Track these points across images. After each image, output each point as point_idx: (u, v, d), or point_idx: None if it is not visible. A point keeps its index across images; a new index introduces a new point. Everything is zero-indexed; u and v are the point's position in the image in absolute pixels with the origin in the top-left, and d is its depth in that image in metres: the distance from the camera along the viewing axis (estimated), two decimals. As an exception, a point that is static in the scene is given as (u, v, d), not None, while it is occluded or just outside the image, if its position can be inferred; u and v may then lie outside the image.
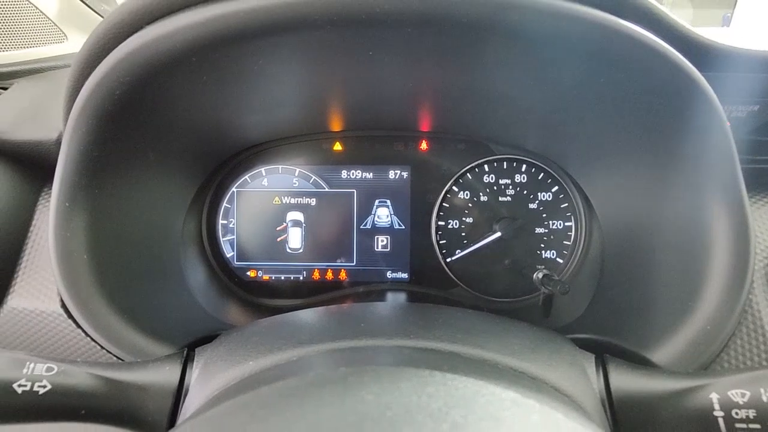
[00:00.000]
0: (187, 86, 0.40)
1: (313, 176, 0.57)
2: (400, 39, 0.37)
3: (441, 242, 0.57)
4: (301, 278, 0.57)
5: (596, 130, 0.45)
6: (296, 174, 0.57)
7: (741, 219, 0.36)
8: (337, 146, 0.57)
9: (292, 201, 0.57)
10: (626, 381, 0.32)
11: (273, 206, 0.57)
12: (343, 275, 0.57)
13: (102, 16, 0.77)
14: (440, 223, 0.57)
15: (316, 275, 0.58)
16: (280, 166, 0.57)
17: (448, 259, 0.57)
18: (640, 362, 0.36)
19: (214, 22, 0.32)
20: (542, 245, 0.56)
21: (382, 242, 0.57)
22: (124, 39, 0.34)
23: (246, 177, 0.57)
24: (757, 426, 0.27)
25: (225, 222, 0.57)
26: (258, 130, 0.55)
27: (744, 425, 0.27)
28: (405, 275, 0.57)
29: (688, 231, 0.39)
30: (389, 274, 0.57)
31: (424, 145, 0.57)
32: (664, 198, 0.42)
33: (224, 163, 0.57)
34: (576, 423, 0.20)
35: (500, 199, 0.56)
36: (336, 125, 0.57)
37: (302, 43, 0.37)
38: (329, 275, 0.58)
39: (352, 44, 0.38)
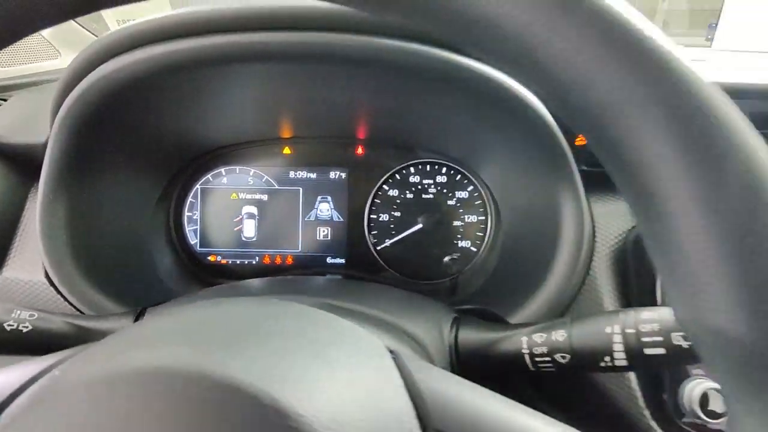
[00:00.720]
0: (151, 103, 0.51)
1: (265, 176, 0.67)
2: (331, 72, 0.47)
3: (372, 232, 0.67)
4: (254, 262, 0.67)
5: (486, 144, 0.56)
6: (251, 174, 0.67)
7: (578, 213, 0.46)
8: (286, 150, 0.67)
9: (247, 197, 0.67)
10: (470, 333, 0.41)
11: (231, 201, 0.67)
12: (289, 260, 0.67)
13: (93, 34, 0.88)
14: (372, 216, 0.67)
15: (267, 260, 0.67)
16: (238, 167, 0.67)
17: (378, 247, 0.67)
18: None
19: (167, 55, 0.43)
20: (459, 236, 0.66)
21: (323, 232, 0.67)
22: (98, 66, 0.44)
23: (208, 176, 0.67)
24: (547, 358, 0.36)
25: (190, 214, 0.67)
26: (217, 137, 0.65)
27: (540, 359, 0.37)
28: (342, 260, 0.67)
29: (548, 220, 0.49)
30: (329, 260, 0.67)
31: (360, 150, 0.67)
32: (535, 195, 0.52)
33: (190, 164, 0.67)
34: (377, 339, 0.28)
35: (423, 196, 0.66)
36: (285, 133, 0.67)
37: (245, 72, 0.48)
38: (278, 260, 0.67)
39: (293, 73, 0.49)
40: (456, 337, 0.41)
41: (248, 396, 0.18)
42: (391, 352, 0.27)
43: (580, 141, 0.53)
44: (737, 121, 0.17)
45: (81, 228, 0.51)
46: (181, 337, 0.22)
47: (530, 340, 0.38)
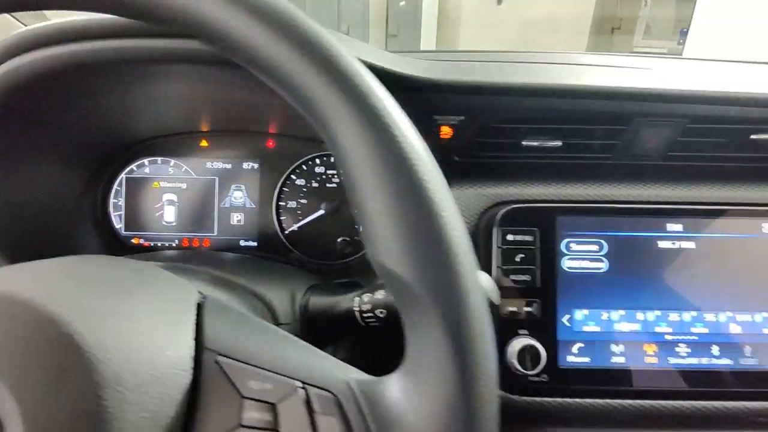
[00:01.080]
0: (58, 100, 0.57)
1: (185, 166, 0.74)
2: (233, 73, 0.54)
3: (281, 218, 0.74)
4: (174, 245, 0.74)
5: None
6: (171, 164, 0.74)
7: None
8: (204, 143, 0.74)
9: (168, 185, 0.74)
10: (319, 299, 0.49)
11: (153, 189, 0.74)
12: (206, 243, 0.74)
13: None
14: (281, 203, 0.74)
15: (186, 242, 0.74)
16: (159, 158, 0.74)
17: (286, 231, 0.74)
18: None
19: (65, 56, 0.49)
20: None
21: (237, 218, 0.74)
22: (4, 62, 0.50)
23: (132, 166, 0.74)
24: (371, 314, 0.44)
25: (116, 201, 0.74)
26: (140, 130, 0.72)
27: (366, 314, 0.44)
28: (254, 243, 0.75)
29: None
30: (242, 242, 0.74)
31: (270, 143, 0.74)
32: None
33: (115, 156, 0.73)
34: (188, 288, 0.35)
35: (327, 185, 0.74)
36: (203, 127, 0.74)
37: (160, 72, 0.54)
38: (195, 242, 0.74)
39: (204, 74, 0.55)
40: (307, 301, 0.49)
41: (33, 310, 0.25)
42: (204, 297, 0.34)
43: (445, 135, 0.61)
44: (390, 108, 0.25)
45: (2, 211, 0.57)
46: (15, 274, 0.29)
47: (360, 300, 0.45)
